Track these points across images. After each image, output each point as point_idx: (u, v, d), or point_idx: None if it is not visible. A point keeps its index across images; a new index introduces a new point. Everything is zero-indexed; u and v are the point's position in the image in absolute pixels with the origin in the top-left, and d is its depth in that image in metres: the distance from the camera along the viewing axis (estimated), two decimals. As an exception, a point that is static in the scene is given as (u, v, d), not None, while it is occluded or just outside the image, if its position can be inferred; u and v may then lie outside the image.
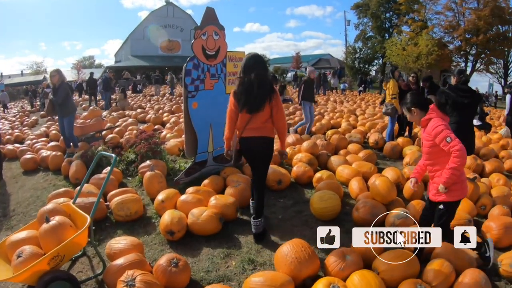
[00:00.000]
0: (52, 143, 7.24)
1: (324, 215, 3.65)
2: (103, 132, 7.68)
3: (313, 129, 7.81)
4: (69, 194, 4.28)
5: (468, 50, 31.89)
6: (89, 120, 8.08)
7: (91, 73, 16.04)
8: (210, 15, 4.30)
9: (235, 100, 3.15)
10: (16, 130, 10.30)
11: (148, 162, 4.76)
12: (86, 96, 20.19)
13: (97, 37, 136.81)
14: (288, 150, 5.40)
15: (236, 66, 4.73)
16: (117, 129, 7.92)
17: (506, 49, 30.29)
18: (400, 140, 6.50)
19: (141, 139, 5.15)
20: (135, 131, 7.08)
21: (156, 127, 8.31)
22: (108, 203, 3.94)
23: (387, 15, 38.15)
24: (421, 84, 7.24)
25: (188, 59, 4.15)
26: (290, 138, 6.12)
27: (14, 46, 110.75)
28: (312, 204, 3.71)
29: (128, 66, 38.08)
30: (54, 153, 6.11)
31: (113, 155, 2.98)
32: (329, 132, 7.10)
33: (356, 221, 3.59)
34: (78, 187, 3.56)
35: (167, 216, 3.33)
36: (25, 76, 45.43)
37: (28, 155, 6.41)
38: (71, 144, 6.47)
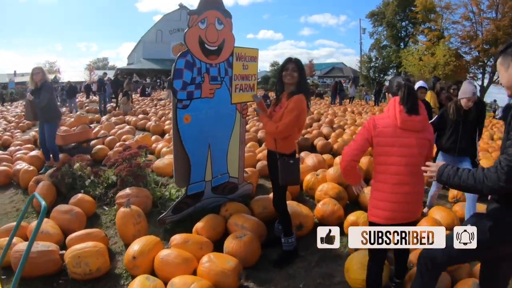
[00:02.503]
0: (33, 153, 6.09)
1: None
2: (93, 142, 6.60)
3: (335, 146, 6.56)
4: (23, 231, 3.23)
5: (485, 61, 30.65)
6: (74, 128, 6.97)
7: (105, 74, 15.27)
8: (211, -5, 3.05)
9: None
10: (7, 133, 9.11)
11: (127, 190, 3.65)
12: (94, 98, 19.45)
13: (113, 40, 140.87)
14: (309, 177, 4.26)
15: (246, 67, 3.46)
16: (109, 138, 6.84)
17: (525, 60, 28.80)
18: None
19: (123, 158, 4.03)
20: (128, 142, 6.01)
21: (154, 137, 7.13)
22: (63, 252, 2.84)
23: (403, 24, 37.46)
24: None
25: (178, 55, 2.93)
26: (310, 160, 4.94)
27: (31, 45, 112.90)
28: (349, 271, 2.51)
29: (139, 69, 37.75)
30: (26, 167, 5.02)
31: (43, 203, 1.89)
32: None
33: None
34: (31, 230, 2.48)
35: (136, 288, 2.19)
36: (38, 74, 45.45)
37: (0, 167, 5.34)
38: (51, 156, 5.44)
